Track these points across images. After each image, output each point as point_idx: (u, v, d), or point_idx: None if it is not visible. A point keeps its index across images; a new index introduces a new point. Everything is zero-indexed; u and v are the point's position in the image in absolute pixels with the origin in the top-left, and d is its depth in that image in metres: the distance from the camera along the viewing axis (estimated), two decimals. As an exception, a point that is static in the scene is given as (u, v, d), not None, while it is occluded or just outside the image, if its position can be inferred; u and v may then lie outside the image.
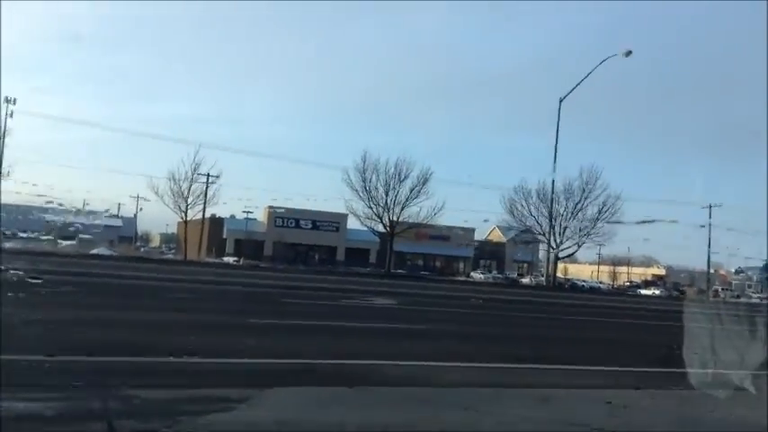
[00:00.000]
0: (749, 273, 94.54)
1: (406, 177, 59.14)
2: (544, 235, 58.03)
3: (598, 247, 79.58)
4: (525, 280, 68.13)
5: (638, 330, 18.88)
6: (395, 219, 59.32)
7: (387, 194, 59.10)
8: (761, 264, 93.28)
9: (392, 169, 59.16)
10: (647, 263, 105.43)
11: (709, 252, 68.17)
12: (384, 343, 11.58)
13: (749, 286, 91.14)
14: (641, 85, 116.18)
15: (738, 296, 78.84)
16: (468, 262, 77.78)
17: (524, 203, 58.72)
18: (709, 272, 73.56)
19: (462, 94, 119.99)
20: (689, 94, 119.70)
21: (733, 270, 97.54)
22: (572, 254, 61.66)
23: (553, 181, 54.43)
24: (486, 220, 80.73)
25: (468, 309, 21.34)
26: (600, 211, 57.94)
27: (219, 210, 67.22)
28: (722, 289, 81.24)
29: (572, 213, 57.78)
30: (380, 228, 61.21)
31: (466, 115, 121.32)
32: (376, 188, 59.49)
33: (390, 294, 22.88)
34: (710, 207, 65.97)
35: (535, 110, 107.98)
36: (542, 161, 52.32)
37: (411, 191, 59.15)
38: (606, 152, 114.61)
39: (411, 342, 11.69)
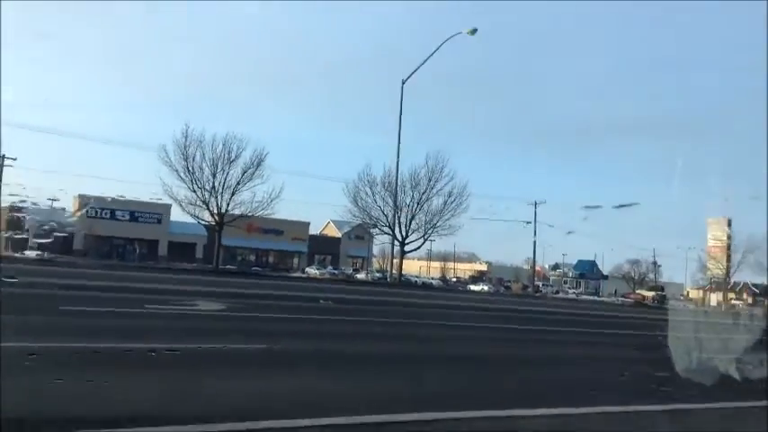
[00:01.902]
0: (564, 269, 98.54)
1: (237, 157, 50.42)
2: (389, 227, 53.54)
3: (429, 243, 78.66)
4: (361, 275, 64.67)
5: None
6: (224, 206, 50.45)
7: (214, 176, 49.79)
8: (575, 261, 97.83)
9: (220, 147, 50.11)
10: (471, 259, 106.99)
11: (534, 249, 69.12)
12: (197, 380, 6.60)
13: (565, 282, 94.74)
14: (487, 77, 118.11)
15: (557, 291, 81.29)
16: (303, 257, 72.84)
17: (369, 191, 54.11)
18: (534, 268, 74.76)
19: (302, 81, 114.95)
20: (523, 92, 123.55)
21: (547, 266, 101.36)
22: (418, 247, 57.66)
23: (398, 165, 49.86)
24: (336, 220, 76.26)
25: (317, 313, 16.60)
26: (446, 203, 54.38)
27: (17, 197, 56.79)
28: (543, 284, 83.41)
29: (418, 204, 53.96)
30: (207, 216, 51.64)
31: (306, 106, 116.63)
32: (201, 168, 49.89)
33: (217, 296, 17.55)
34: (536, 204, 66.60)
35: (382, 98, 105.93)
36: (389, 152, 49.87)
37: (243, 173, 50.37)
38: (454, 143, 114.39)
39: (242, 379, 6.84)
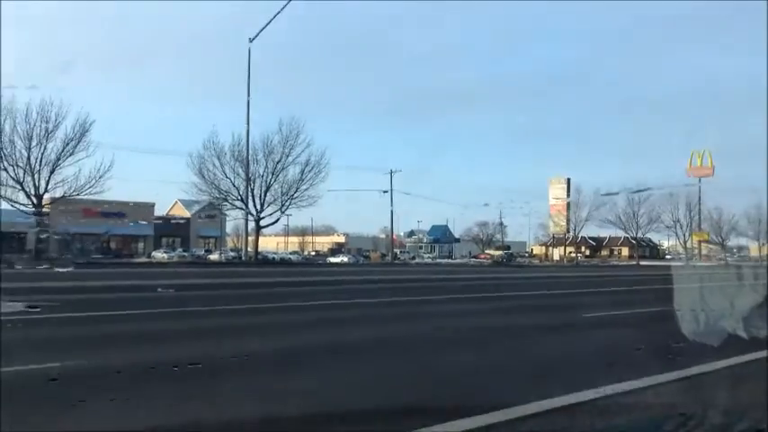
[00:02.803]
0: (419, 235, 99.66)
1: (56, 127, 42.66)
2: (242, 200, 48.08)
3: (286, 218, 75.83)
4: (214, 256, 60.80)
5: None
6: (43, 185, 42.60)
7: (29, 151, 41.92)
8: (429, 227, 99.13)
9: (35, 115, 42.01)
10: (328, 231, 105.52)
11: (392, 217, 68.62)
12: None
13: (420, 248, 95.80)
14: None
15: (414, 257, 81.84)
16: (149, 241, 67.18)
17: (217, 162, 47.73)
18: (392, 236, 74.38)
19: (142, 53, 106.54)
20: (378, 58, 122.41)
21: (403, 233, 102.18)
22: (276, 221, 52.29)
23: (248, 132, 45.34)
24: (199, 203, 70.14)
25: (147, 306, 13.59)
26: (303, 172, 48.96)
27: None
28: (400, 252, 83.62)
29: (273, 174, 48.47)
30: (22, 198, 43.02)
31: (146, 79, 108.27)
32: (11, 141, 41.50)
33: (25, 293, 14.12)
34: (392, 173, 65.91)
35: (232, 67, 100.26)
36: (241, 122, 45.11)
37: (66, 145, 42.66)
38: (311, 114, 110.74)
39: None
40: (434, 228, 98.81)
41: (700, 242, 76.88)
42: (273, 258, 63.79)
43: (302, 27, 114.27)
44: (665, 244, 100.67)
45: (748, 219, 69.50)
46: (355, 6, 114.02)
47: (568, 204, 78.47)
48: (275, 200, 48.95)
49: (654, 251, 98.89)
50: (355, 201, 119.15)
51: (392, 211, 67.87)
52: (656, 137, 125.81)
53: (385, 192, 65.81)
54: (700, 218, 70.93)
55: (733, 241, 77.14)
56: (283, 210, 50.14)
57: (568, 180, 79.77)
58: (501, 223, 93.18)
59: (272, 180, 48.58)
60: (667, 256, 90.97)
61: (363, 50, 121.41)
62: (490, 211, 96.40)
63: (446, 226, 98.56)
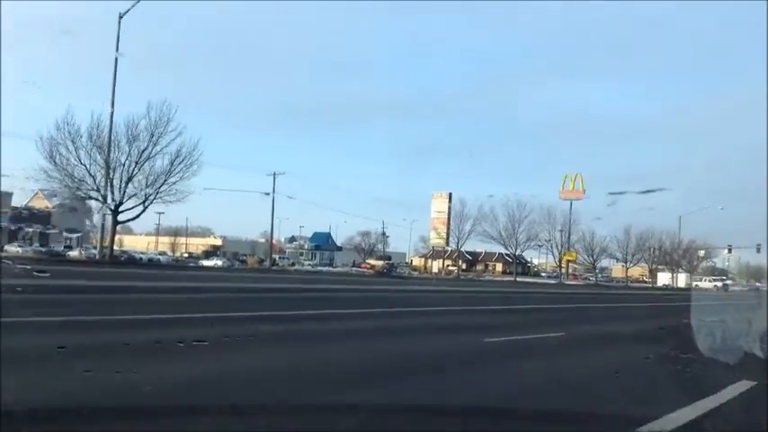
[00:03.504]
0: (301, 241, 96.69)
1: None
2: (99, 191, 41.46)
3: (158, 216, 70.53)
4: (74, 253, 54.99)
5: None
6: None
7: None
8: (311, 233, 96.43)
9: None
10: (204, 233, 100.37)
11: (272, 221, 65.37)
12: None
13: (301, 254, 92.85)
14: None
15: (293, 264, 78.77)
16: (4, 234, 59.61)
17: (71, 146, 40.81)
18: (271, 241, 71.01)
19: None
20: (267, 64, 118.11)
21: (284, 239, 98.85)
22: (137, 216, 44.82)
23: (112, 115, 39.47)
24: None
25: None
26: (173, 163, 42.87)
27: None
28: (280, 258, 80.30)
29: (137, 163, 41.96)
30: None
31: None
32: None
33: None
34: (275, 175, 62.78)
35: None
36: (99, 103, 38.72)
37: None
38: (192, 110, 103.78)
39: None
40: (316, 234, 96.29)
41: (567, 261, 79.27)
42: (140, 259, 58.78)
43: (193, 23, 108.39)
44: (535, 261, 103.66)
45: (618, 242, 72.44)
46: (256, 6, 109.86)
47: (449, 218, 78.49)
48: (138, 192, 42.62)
49: (525, 268, 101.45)
50: (236, 202, 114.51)
51: (273, 215, 64.68)
52: (536, 158, 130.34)
53: (267, 194, 62.52)
54: (569, 238, 72.98)
55: (604, 262, 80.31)
56: (146, 204, 43.35)
57: (450, 194, 79.95)
58: (383, 233, 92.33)
59: (136, 170, 42.15)
60: (543, 274, 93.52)
61: (257, 54, 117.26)
62: (373, 221, 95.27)
63: (328, 233, 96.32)
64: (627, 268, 74.54)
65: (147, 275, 27.82)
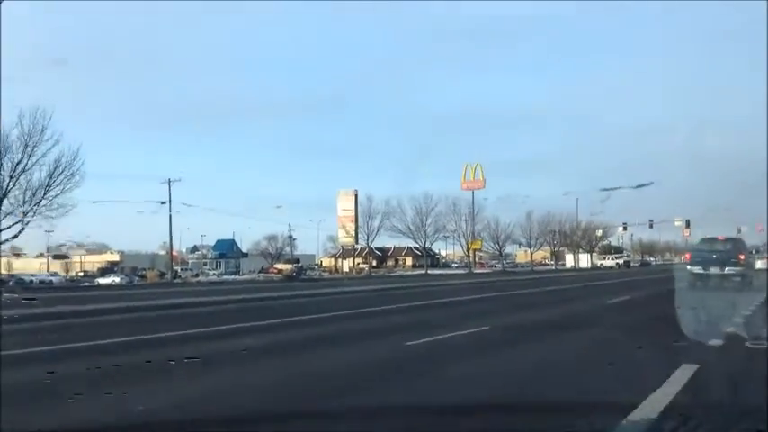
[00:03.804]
0: (203, 250, 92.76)
1: None
2: None
3: (47, 236, 65.37)
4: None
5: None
6: None
7: None
8: (213, 241, 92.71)
9: None
10: (101, 250, 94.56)
11: (171, 231, 61.75)
12: None
13: (205, 264, 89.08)
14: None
15: (197, 275, 75.26)
16: None
17: None
18: (171, 252, 67.30)
19: None
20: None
21: (185, 249, 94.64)
22: (15, 236, 39.61)
23: None
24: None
25: None
26: (51, 175, 38.56)
27: None
28: (182, 269, 76.48)
29: (11, 177, 37.42)
30: None
31: None
32: None
33: None
34: (170, 182, 59.37)
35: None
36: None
37: None
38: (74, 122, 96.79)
39: None
40: (220, 242, 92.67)
41: (474, 251, 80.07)
42: (31, 281, 54.22)
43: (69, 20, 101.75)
44: (443, 253, 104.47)
45: (521, 228, 73.73)
46: (141, 6, 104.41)
47: (356, 215, 77.37)
48: (15, 209, 38.34)
49: (435, 260, 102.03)
50: (132, 215, 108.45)
51: (171, 225, 61.12)
52: (437, 149, 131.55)
53: (163, 203, 59.03)
54: (473, 227, 73.60)
55: (508, 248, 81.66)
56: (25, 221, 38.78)
57: (356, 192, 78.78)
58: (290, 236, 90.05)
59: (11, 185, 37.84)
60: (453, 264, 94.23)
61: (146, 57, 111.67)
62: (279, 224, 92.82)
63: (232, 240, 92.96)
64: (532, 253, 76.14)
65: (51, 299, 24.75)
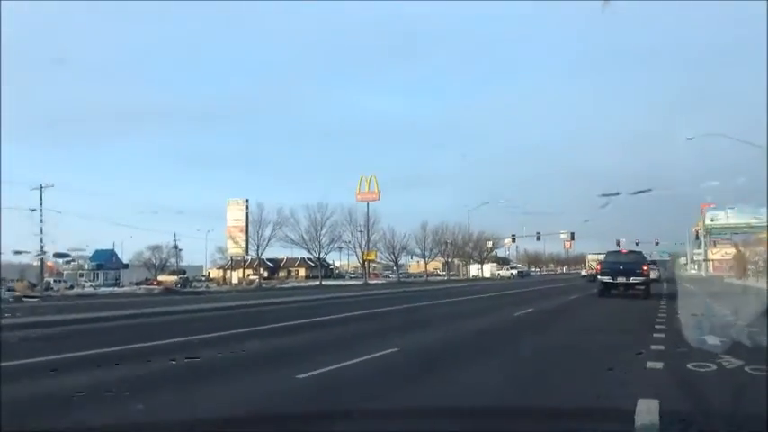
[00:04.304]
0: (80, 261, 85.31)
1: None
2: None
3: None
4: None
5: None
6: None
7: None
8: (92, 251, 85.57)
9: None
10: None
11: (41, 239, 55.65)
12: None
13: (81, 275, 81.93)
14: None
15: (72, 286, 68.73)
16: None
17: None
18: (43, 262, 60.86)
19: None
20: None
21: (61, 260, 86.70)
22: None
23: None
24: None
25: None
26: None
27: None
28: (55, 281, 69.56)
29: None
30: None
31: None
32: None
33: None
34: (42, 188, 53.63)
35: None
36: None
37: None
38: None
39: None
40: (98, 252, 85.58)
41: (368, 261, 78.54)
42: None
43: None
44: (338, 264, 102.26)
45: (416, 238, 72.57)
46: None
47: (247, 225, 73.62)
48: None
49: (329, 271, 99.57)
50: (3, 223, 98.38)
51: (42, 233, 55.11)
52: (334, 162, 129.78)
53: (33, 210, 53.15)
54: (369, 237, 71.91)
55: (403, 259, 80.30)
56: None
57: (247, 201, 75.02)
58: (176, 246, 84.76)
59: None
60: (350, 275, 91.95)
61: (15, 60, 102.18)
62: (163, 234, 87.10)
63: (112, 250, 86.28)
64: (426, 263, 75.22)
65: None
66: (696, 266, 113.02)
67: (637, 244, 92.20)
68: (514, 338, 13.14)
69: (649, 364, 9.01)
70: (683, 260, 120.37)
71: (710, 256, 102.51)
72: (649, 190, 33.40)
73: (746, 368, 8.76)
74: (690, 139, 57.91)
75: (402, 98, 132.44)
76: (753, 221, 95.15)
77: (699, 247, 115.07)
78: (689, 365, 8.87)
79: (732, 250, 79.63)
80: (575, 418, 3.98)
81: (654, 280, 34.65)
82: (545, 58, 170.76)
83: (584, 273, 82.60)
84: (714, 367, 8.83)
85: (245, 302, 25.95)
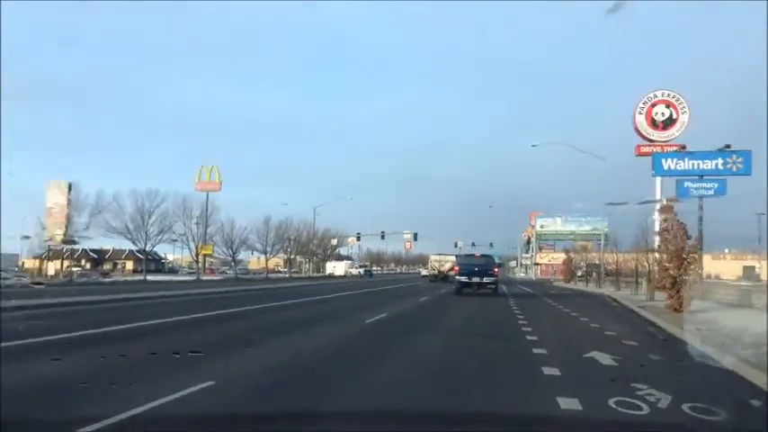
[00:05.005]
0: None
1: None
2: None
3: None
4: None
5: None
6: None
7: None
8: None
9: None
10: None
11: None
12: None
13: None
14: None
15: None
16: None
17: None
18: None
19: None
20: None
21: None
22: None
23: None
24: None
25: None
26: None
27: None
28: None
29: None
30: None
31: None
32: None
33: None
34: None
35: None
36: None
37: None
38: None
39: None
40: None
41: (204, 256, 73.17)
42: None
43: None
44: (171, 257, 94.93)
45: (257, 233, 67.82)
46: None
47: (69, 211, 64.98)
48: None
49: (160, 265, 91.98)
50: None
51: None
52: (174, 152, 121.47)
53: None
54: (206, 230, 66.37)
55: (242, 254, 75.20)
56: None
57: (70, 184, 66.26)
58: (-20, 232, 73.34)
59: None
60: (185, 270, 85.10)
61: None
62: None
63: None
64: (267, 259, 70.92)
65: None
66: (524, 270, 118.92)
67: (473, 245, 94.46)
68: (373, 357, 10.28)
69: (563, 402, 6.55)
70: (512, 263, 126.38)
71: (538, 260, 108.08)
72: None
73: (685, 407, 6.55)
74: (534, 145, 59.78)
75: (247, 91, 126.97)
76: (577, 229, 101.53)
77: (527, 252, 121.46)
78: (613, 406, 6.52)
79: (560, 255, 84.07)
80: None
81: None
82: (396, 65, 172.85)
83: (424, 272, 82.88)
84: (644, 409, 6.51)
85: (37, 303, 20.43)
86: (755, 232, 68.52)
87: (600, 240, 63.36)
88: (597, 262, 59.86)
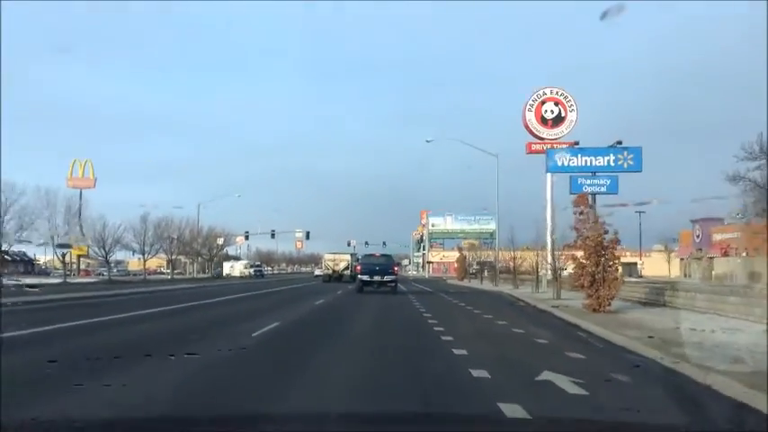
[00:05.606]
0: None
1: None
2: None
3: None
4: None
5: None
6: None
7: None
8: None
9: None
10: None
11: None
12: None
13: None
14: None
15: None
16: None
17: None
18: None
19: None
20: None
21: None
22: None
23: None
24: None
25: None
26: None
27: None
28: None
29: None
30: None
31: None
32: None
33: None
34: None
35: None
36: None
37: None
38: None
39: None
40: None
41: (79, 257, 66.49)
42: None
43: None
44: (43, 259, 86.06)
45: (134, 232, 61.53)
46: None
47: None
48: None
49: (29, 267, 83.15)
50: None
51: None
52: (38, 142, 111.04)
53: None
54: (81, 228, 59.71)
55: (118, 254, 68.46)
56: None
57: None
58: None
59: None
60: (68, 272, 76.90)
61: None
62: None
63: None
64: (145, 260, 64.87)
65: None
66: (416, 268, 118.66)
67: (366, 244, 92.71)
68: (254, 401, 7.27)
69: None
70: (405, 261, 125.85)
71: (430, 258, 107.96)
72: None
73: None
74: (429, 141, 58.40)
75: (126, 83, 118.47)
76: (467, 228, 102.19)
77: (419, 251, 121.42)
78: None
79: (451, 254, 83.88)
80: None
81: None
82: (279, 62, 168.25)
83: (318, 272, 79.72)
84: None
85: None
86: (636, 230, 71.24)
87: (488, 239, 63.01)
88: (491, 260, 59.48)
